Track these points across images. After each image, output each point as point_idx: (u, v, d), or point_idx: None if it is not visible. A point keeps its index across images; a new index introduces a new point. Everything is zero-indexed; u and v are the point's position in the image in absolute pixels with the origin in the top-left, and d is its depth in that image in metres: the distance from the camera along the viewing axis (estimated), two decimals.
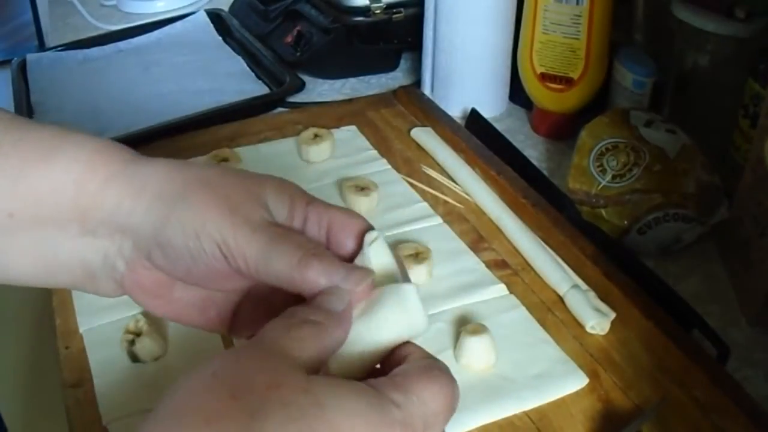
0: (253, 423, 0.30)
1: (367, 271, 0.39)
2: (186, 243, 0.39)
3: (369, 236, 0.40)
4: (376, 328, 0.38)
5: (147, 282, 0.42)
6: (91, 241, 0.42)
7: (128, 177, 0.42)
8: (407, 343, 0.38)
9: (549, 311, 0.71)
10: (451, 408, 0.35)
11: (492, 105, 1.09)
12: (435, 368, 0.36)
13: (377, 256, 0.40)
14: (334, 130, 0.97)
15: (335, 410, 0.31)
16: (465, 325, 0.66)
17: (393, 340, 0.38)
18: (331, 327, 0.36)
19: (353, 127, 1.00)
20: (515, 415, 0.61)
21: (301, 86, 1.14)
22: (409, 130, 0.99)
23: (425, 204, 0.85)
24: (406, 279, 0.40)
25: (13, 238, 0.42)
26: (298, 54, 1.19)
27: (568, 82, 0.99)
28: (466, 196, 0.86)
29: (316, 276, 0.38)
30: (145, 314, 0.68)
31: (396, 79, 1.21)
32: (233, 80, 1.17)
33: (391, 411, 0.33)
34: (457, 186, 0.88)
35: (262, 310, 0.43)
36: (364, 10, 1.15)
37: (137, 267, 0.42)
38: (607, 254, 0.75)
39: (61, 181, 0.41)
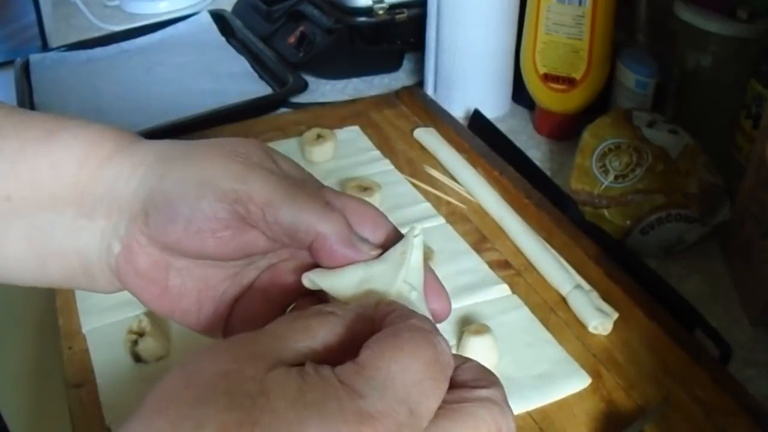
0: (194, 411, 0.28)
1: (376, 249, 0.38)
2: (185, 192, 0.37)
3: (415, 229, 0.38)
4: None
5: (142, 263, 0.39)
6: (87, 224, 0.40)
7: (130, 152, 0.40)
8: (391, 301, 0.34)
9: (552, 311, 0.71)
10: (433, 370, 0.30)
11: (495, 105, 1.09)
12: (405, 330, 0.31)
13: (417, 252, 0.38)
14: (336, 131, 0.97)
15: (283, 401, 0.28)
16: (467, 326, 0.66)
17: None
18: (353, 319, 0.33)
19: (356, 128, 1.00)
20: (518, 416, 0.61)
21: (304, 87, 1.14)
22: (411, 131, 0.99)
23: (428, 204, 0.85)
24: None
25: (8, 225, 0.40)
26: (301, 54, 1.19)
27: (570, 82, 0.99)
28: (469, 197, 0.87)
29: (337, 221, 0.37)
30: (148, 314, 0.68)
31: (399, 79, 1.21)
32: (236, 81, 1.17)
33: (354, 403, 0.28)
34: (459, 186, 0.88)
35: (258, 308, 0.42)
36: (367, 11, 1.15)
37: (132, 245, 0.39)
38: (610, 254, 0.75)
39: (62, 159, 0.40)
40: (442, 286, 0.40)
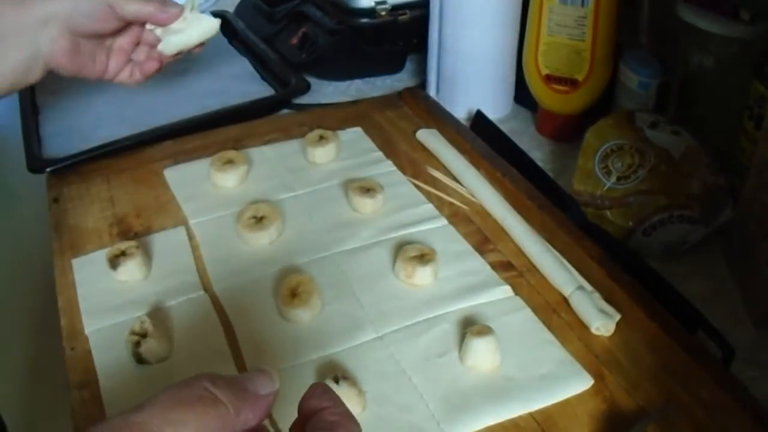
0: None
1: (179, 8, 0.83)
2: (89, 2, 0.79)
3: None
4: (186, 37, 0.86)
5: (65, 44, 0.77)
6: (24, 12, 0.75)
7: None
8: (325, 396, 0.39)
9: (554, 312, 0.71)
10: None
11: (497, 106, 1.09)
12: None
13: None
14: (339, 132, 0.97)
15: None
16: (470, 327, 0.66)
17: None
18: (238, 409, 0.36)
19: (359, 129, 1.00)
20: (520, 417, 0.61)
21: (306, 88, 1.14)
22: (414, 132, 0.99)
23: (430, 205, 0.85)
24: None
25: None
26: (304, 56, 1.19)
27: (573, 83, 0.99)
28: (472, 198, 0.87)
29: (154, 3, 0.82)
30: (151, 316, 0.68)
31: (401, 80, 1.21)
32: (239, 82, 1.17)
33: None
34: (462, 187, 0.88)
35: (124, 56, 0.86)
36: (370, 12, 1.15)
37: (60, 38, 0.77)
38: (612, 256, 0.75)
39: None
40: None
